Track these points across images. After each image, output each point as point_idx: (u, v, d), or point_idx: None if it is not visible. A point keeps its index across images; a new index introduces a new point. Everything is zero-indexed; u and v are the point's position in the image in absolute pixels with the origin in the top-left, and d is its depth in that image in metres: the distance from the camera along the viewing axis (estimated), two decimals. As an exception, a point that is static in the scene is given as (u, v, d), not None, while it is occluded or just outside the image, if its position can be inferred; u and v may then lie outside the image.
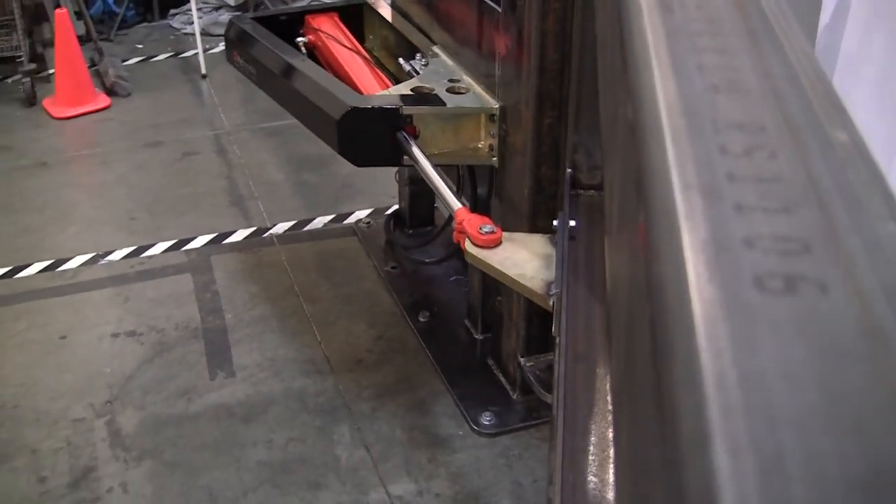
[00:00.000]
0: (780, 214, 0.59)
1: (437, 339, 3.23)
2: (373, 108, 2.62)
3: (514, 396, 2.95)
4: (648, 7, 0.97)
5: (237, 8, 6.28)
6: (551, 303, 2.20)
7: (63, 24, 4.91)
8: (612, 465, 1.59)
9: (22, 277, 3.70)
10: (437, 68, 2.87)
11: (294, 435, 2.85)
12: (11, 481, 2.73)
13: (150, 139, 4.77)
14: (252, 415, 2.94)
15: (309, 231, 3.95)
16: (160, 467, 2.76)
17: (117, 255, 3.79)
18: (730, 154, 0.66)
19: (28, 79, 5.10)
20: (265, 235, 3.91)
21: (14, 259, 3.80)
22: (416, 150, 2.59)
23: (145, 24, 6.45)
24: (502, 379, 3.02)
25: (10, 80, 5.39)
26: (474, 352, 3.17)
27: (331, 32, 3.01)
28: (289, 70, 2.90)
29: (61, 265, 3.75)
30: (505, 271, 2.27)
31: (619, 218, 1.06)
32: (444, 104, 2.64)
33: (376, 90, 2.81)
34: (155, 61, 5.87)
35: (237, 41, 3.20)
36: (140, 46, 6.11)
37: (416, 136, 2.65)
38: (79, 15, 5.73)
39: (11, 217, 4.14)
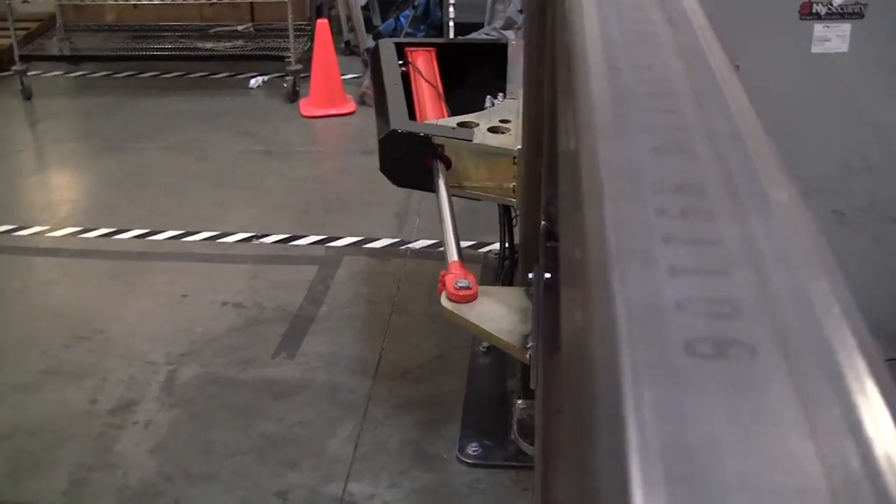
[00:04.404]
0: (712, 277, 0.59)
1: (482, 369, 3.34)
2: (407, 132, 2.81)
3: (512, 436, 3.00)
4: (597, 68, 0.98)
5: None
6: (528, 356, 2.27)
7: (322, 33, 5.48)
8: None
9: (188, 241, 4.23)
10: (503, 108, 3.00)
11: (304, 419, 3.10)
12: (73, 396, 3.21)
13: (369, 147, 5.15)
14: (284, 394, 3.22)
15: (443, 252, 4.14)
16: (183, 416, 3.11)
17: (270, 239, 4.23)
18: (667, 216, 0.66)
19: (291, 77, 5.72)
20: (402, 248, 4.17)
21: (195, 225, 4.36)
22: (440, 181, 2.74)
23: (432, 47, 6.93)
24: (514, 418, 3.07)
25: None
26: (507, 388, 3.24)
27: (420, 65, 3.23)
28: (380, 91, 3.16)
29: (224, 237, 4.24)
30: (481, 325, 2.33)
31: (567, 279, 1.11)
32: (470, 139, 2.77)
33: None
34: (418, 81, 6.31)
35: (372, 60, 3.50)
36: (415, 66, 6.58)
37: (448, 167, 2.80)
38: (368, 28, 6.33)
39: (217, 190, 4.72)
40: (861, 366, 0.52)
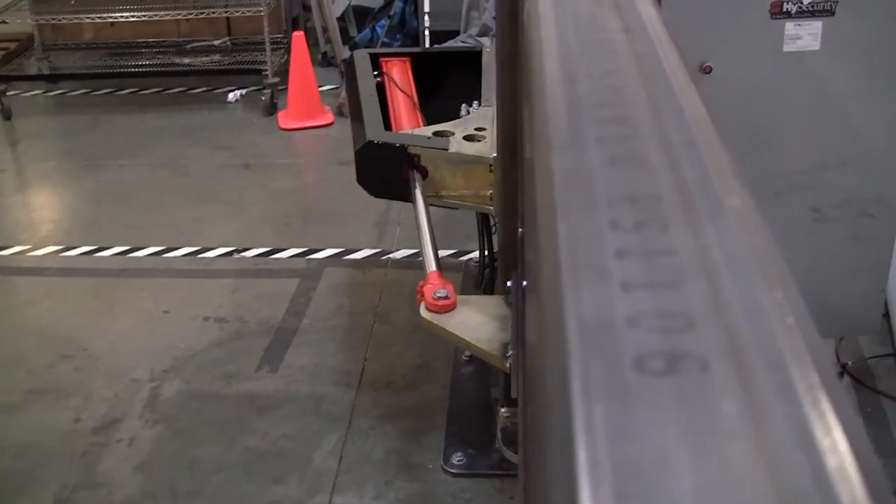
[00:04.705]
0: (665, 290, 0.58)
1: (465, 378, 3.34)
2: (383, 143, 2.82)
3: (497, 445, 3.00)
4: (552, 79, 0.97)
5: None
6: (508, 364, 2.26)
7: (298, 45, 5.48)
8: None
9: (169, 257, 4.23)
10: (479, 116, 3.01)
11: (289, 432, 3.09)
12: (58, 415, 3.21)
13: (347, 158, 5.14)
14: (267, 407, 3.22)
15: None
16: (167, 432, 3.11)
17: (251, 253, 4.23)
18: (621, 229, 0.65)
19: (269, 90, 5.73)
20: (383, 258, 4.18)
21: (176, 241, 4.35)
22: (417, 191, 2.75)
23: (409, 56, 6.95)
24: (498, 426, 3.07)
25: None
26: (491, 396, 3.24)
27: (395, 76, 3.24)
28: (355, 102, 3.17)
29: (204, 252, 4.24)
30: (460, 335, 2.32)
31: (529, 291, 1.09)
32: (446, 148, 2.78)
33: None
34: (397, 91, 6.33)
35: (347, 71, 3.51)
36: (393, 76, 6.60)
37: (424, 177, 2.81)
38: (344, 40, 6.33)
39: (197, 205, 4.72)
40: (814, 379, 0.52)
